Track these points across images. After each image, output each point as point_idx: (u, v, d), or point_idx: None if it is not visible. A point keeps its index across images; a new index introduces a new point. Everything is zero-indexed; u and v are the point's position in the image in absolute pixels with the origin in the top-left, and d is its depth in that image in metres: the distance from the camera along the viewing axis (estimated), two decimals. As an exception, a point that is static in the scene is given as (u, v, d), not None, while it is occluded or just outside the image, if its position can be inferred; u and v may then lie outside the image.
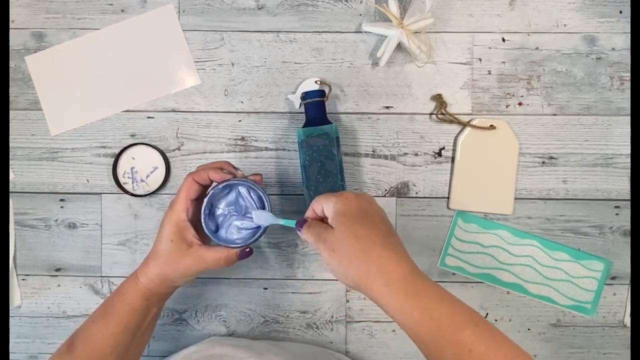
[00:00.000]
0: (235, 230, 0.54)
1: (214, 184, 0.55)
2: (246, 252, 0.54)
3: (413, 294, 0.43)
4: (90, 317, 0.54)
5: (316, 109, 0.62)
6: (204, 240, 0.54)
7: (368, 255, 0.45)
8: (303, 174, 0.62)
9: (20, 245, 0.68)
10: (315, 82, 0.66)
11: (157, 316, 0.57)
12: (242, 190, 0.54)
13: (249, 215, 0.54)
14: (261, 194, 0.54)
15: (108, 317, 0.53)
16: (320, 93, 0.63)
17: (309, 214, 0.52)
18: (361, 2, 0.67)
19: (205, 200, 0.54)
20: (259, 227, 0.54)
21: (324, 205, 0.50)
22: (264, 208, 0.54)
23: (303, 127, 0.63)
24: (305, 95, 0.63)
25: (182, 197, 0.53)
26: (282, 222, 0.53)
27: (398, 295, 0.43)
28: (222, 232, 0.54)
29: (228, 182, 0.53)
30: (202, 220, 0.53)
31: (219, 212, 0.55)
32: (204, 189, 0.55)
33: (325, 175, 0.61)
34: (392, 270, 0.44)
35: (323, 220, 0.51)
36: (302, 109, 0.65)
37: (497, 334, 0.42)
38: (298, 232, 0.52)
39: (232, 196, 0.55)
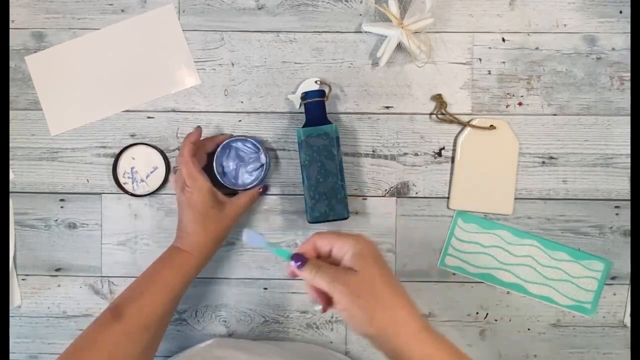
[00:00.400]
0: (247, 175, 0.66)
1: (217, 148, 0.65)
2: (264, 187, 0.66)
3: (438, 342, 0.43)
4: (133, 286, 0.57)
5: (316, 109, 0.62)
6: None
7: (397, 302, 0.44)
8: (303, 174, 0.62)
9: (20, 245, 0.68)
10: (315, 82, 0.66)
11: (185, 291, 0.61)
12: (238, 145, 0.65)
13: (251, 160, 0.65)
14: (253, 141, 0.64)
15: (159, 287, 0.56)
16: (320, 93, 0.63)
17: (307, 248, 0.47)
18: (361, 2, 0.67)
19: (215, 164, 0.64)
20: (262, 165, 0.65)
21: (336, 244, 0.46)
22: (258, 150, 0.65)
23: (303, 127, 0.63)
24: (305, 95, 0.63)
25: (199, 173, 0.59)
26: (274, 251, 0.48)
27: (428, 342, 0.43)
28: (240, 181, 0.65)
29: (226, 143, 0.64)
30: (220, 179, 0.64)
31: (229, 169, 0.65)
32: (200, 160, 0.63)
33: (325, 175, 0.61)
34: (418, 319, 0.44)
35: (321, 258, 0.48)
36: (302, 109, 0.65)
37: None
38: (294, 269, 0.46)
39: (233, 153, 0.65)
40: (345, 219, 0.62)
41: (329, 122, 0.62)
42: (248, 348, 0.62)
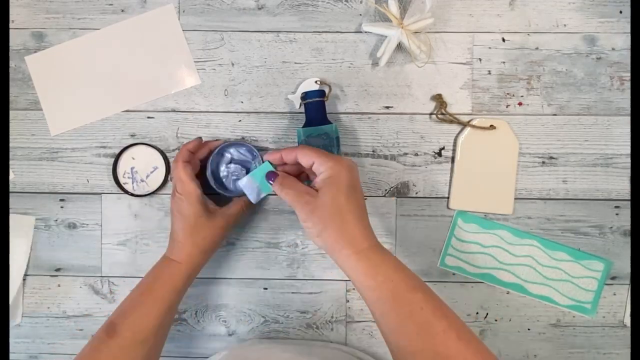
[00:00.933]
0: (235, 183, 0.65)
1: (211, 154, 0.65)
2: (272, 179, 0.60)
3: (376, 262, 0.50)
4: (124, 304, 0.57)
5: (316, 109, 0.62)
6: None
7: (344, 226, 0.50)
8: None
9: (20, 245, 0.68)
10: (315, 82, 0.66)
11: (179, 302, 0.60)
12: (233, 150, 0.65)
13: (245, 166, 0.65)
14: (248, 147, 0.64)
15: (151, 300, 0.56)
16: (320, 93, 0.62)
17: (288, 156, 0.54)
18: (361, 2, 0.67)
19: (207, 170, 0.63)
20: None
21: (316, 162, 0.52)
22: (254, 156, 0.64)
23: (303, 127, 0.62)
24: (305, 95, 0.62)
25: (189, 179, 0.58)
26: (263, 192, 0.58)
27: (364, 263, 0.50)
28: (232, 188, 0.64)
29: (220, 149, 0.63)
30: (213, 185, 0.63)
31: (222, 174, 0.64)
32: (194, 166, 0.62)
33: None
34: (361, 241, 0.51)
35: (299, 173, 0.57)
36: (302, 109, 0.65)
37: (441, 300, 0.50)
38: (269, 182, 0.55)
39: (226, 158, 0.65)
40: None
41: (329, 122, 0.62)
42: (287, 350, 0.63)
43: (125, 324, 0.54)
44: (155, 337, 0.56)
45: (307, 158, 0.53)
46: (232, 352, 0.64)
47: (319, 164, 0.52)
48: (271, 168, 0.57)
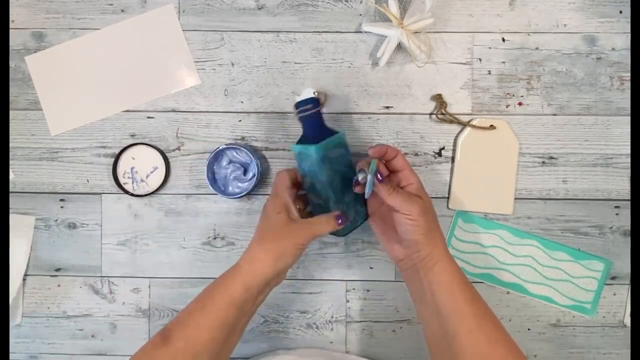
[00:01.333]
0: (238, 183, 0.65)
1: (208, 155, 0.64)
2: (342, 219, 0.56)
3: (454, 272, 0.55)
4: (187, 307, 0.52)
5: (317, 120, 0.59)
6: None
7: (440, 232, 0.57)
8: (329, 191, 0.57)
9: (20, 245, 0.68)
10: (314, 93, 0.61)
11: (252, 315, 0.54)
12: (232, 152, 0.65)
13: (243, 169, 0.65)
14: (247, 150, 0.64)
15: (205, 309, 0.51)
16: (315, 102, 0.58)
17: (379, 152, 0.56)
18: (361, 2, 0.67)
19: (206, 170, 0.64)
20: (253, 175, 0.64)
21: (405, 171, 0.56)
22: (251, 159, 0.64)
23: (299, 142, 0.58)
24: (299, 107, 0.58)
25: (282, 183, 0.56)
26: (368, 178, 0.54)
27: (463, 277, 0.55)
28: (229, 190, 0.65)
29: (219, 150, 0.64)
30: (210, 186, 0.64)
31: (219, 176, 0.65)
32: (296, 182, 0.59)
33: (348, 183, 0.58)
34: (447, 251, 0.56)
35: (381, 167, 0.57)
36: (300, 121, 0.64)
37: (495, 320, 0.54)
38: (377, 179, 0.53)
39: (225, 160, 0.65)
40: (367, 218, 0.61)
41: (333, 131, 0.59)
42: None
43: (179, 332, 0.50)
44: (210, 352, 0.50)
45: (402, 163, 0.57)
46: None
47: (410, 173, 0.56)
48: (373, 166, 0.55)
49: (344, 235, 0.60)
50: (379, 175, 0.53)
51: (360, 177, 0.55)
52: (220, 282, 0.52)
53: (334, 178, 0.57)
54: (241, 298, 0.51)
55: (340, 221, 0.55)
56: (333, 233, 0.57)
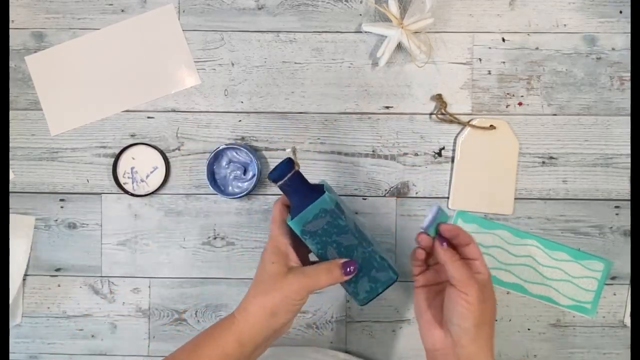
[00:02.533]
0: (237, 183, 0.65)
1: (208, 155, 0.64)
2: (350, 267, 0.49)
3: None
4: (180, 350, 0.48)
5: (296, 186, 0.49)
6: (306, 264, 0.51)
7: (492, 334, 0.49)
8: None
9: (20, 245, 0.68)
10: (291, 151, 0.53)
11: None
12: (232, 152, 0.65)
13: (243, 169, 0.65)
14: (247, 151, 0.64)
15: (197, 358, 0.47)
16: (289, 165, 0.49)
17: (459, 240, 0.51)
18: (361, 2, 0.67)
19: (206, 171, 0.64)
20: (253, 175, 0.64)
21: (479, 261, 0.50)
22: (251, 160, 0.64)
23: (293, 215, 0.49)
24: (274, 176, 0.49)
25: (277, 222, 0.50)
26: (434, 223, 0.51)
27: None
28: (229, 190, 0.65)
29: (219, 150, 0.64)
30: (210, 186, 0.64)
31: (219, 176, 0.65)
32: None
33: (348, 251, 0.50)
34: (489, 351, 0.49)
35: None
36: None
37: None
38: (439, 245, 0.50)
39: (225, 160, 0.65)
40: (396, 280, 0.51)
41: (318, 192, 0.49)
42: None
43: None
44: None
45: (476, 252, 0.50)
46: None
47: (482, 265, 0.50)
48: (445, 219, 0.52)
49: (363, 305, 0.52)
50: (442, 242, 0.49)
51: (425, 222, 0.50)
52: (213, 333, 0.48)
53: (326, 250, 0.50)
54: (235, 353, 0.47)
55: (348, 269, 0.48)
56: (356, 299, 0.51)
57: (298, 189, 0.49)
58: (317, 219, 0.48)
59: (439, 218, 0.51)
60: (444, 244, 0.50)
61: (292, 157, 0.50)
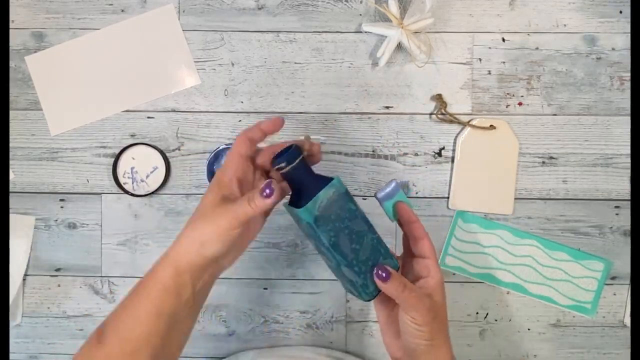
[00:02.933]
0: None
1: (209, 155, 0.65)
2: (267, 190, 0.45)
3: None
4: (120, 302, 0.47)
5: (305, 172, 0.48)
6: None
7: (446, 339, 0.48)
8: (335, 254, 0.47)
9: (20, 245, 0.68)
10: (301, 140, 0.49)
11: (195, 304, 0.48)
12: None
13: None
14: None
15: (138, 299, 0.46)
16: (296, 152, 0.47)
17: (414, 234, 0.50)
18: (361, 2, 0.67)
19: (206, 171, 0.65)
20: None
21: (431, 262, 0.48)
22: None
23: (300, 205, 0.46)
24: (284, 162, 0.47)
25: (235, 154, 0.48)
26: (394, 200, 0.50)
27: None
28: None
29: (219, 150, 0.64)
30: (208, 184, 0.63)
31: None
32: (256, 148, 0.51)
33: (359, 238, 0.47)
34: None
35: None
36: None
37: None
38: (381, 283, 0.47)
39: (224, 160, 0.58)
40: (398, 269, 0.49)
41: (326, 178, 0.48)
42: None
43: (113, 330, 0.45)
44: (150, 348, 0.45)
45: (429, 249, 0.48)
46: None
47: (434, 265, 0.48)
48: (404, 199, 0.50)
49: (372, 298, 0.49)
50: (381, 272, 0.46)
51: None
52: (151, 271, 0.47)
53: (338, 237, 0.47)
54: (174, 284, 0.46)
55: (266, 192, 0.45)
56: (366, 292, 0.48)
57: (307, 175, 0.48)
58: (330, 203, 0.46)
59: (397, 196, 0.50)
60: (386, 275, 0.46)
61: (305, 144, 0.48)
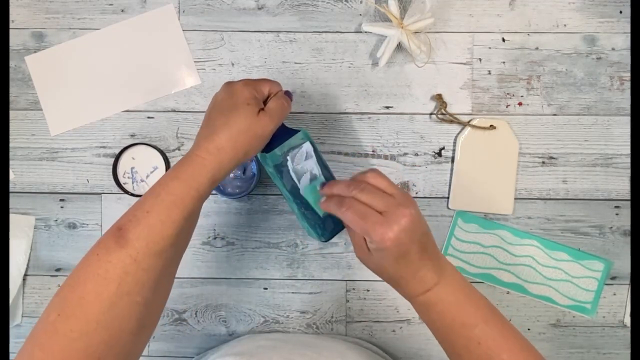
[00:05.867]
0: (238, 183, 0.65)
1: None
2: (289, 95, 0.54)
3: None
4: (136, 208, 0.46)
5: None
6: None
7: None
8: (292, 203, 0.54)
9: (20, 245, 0.68)
10: None
11: (199, 210, 0.50)
12: None
13: (242, 169, 0.65)
14: None
15: (168, 203, 0.46)
16: None
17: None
18: (361, 2, 0.67)
19: None
20: (252, 176, 0.64)
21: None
22: (251, 160, 0.63)
23: (267, 150, 0.53)
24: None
25: (262, 81, 0.53)
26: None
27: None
28: (228, 190, 0.65)
29: None
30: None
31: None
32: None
33: (328, 178, 0.55)
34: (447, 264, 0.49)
35: None
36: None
37: (506, 330, 0.48)
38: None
39: None
40: None
41: (294, 130, 0.55)
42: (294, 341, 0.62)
43: (138, 231, 0.44)
44: (174, 248, 0.46)
45: (349, 224, 0.48)
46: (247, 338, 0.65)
47: (362, 230, 0.47)
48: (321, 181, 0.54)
49: (326, 241, 0.55)
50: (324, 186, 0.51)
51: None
52: (182, 177, 0.47)
53: (296, 187, 0.54)
54: (206, 192, 0.48)
55: (288, 95, 0.54)
56: (318, 237, 0.55)
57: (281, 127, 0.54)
58: (293, 152, 0.53)
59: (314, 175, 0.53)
60: (326, 187, 0.51)
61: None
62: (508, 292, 0.67)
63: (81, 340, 0.41)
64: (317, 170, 0.54)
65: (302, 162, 0.54)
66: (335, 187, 0.50)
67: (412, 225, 0.45)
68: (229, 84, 0.52)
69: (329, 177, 0.55)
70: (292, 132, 0.54)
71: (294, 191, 0.54)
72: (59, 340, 0.41)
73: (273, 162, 0.53)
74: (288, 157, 0.53)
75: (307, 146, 0.54)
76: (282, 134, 0.53)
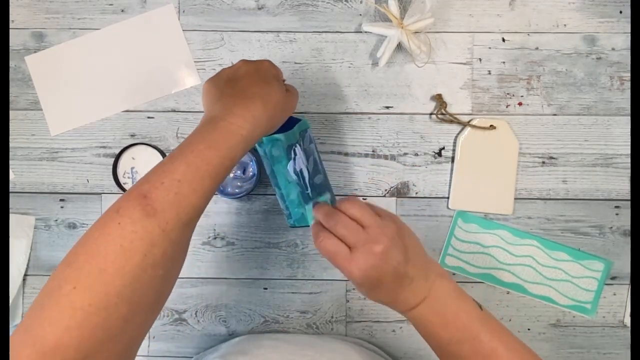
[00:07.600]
0: (238, 183, 0.65)
1: None
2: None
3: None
4: (164, 175, 0.42)
5: None
6: None
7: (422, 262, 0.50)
8: (276, 190, 0.57)
9: (20, 245, 0.68)
10: None
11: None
12: None
13: (243, 169, 0.65)
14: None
15: (202, 174, 0.43)
16: None
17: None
18: (361, 2, 0.67)
19: None
20: (252, 176, 0.64)
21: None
22: (251, 159, 0.64)
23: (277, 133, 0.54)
24: None
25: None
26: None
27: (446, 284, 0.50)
28: (228, 190, 0.65)
29: None
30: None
31: None
32: None
33: (315, 168, 0.57)
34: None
35: None
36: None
37: (498, 343, 0.49)
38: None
39: None
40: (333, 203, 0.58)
41: (297, 119, 0.57)
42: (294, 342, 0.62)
43: (169, 200, 0.41)
44: (199, 218, 0.45)
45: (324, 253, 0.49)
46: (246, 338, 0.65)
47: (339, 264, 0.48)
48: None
49: (291, 227, 0.59)
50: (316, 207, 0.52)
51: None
52: (219, 146, 0.44)
53: (307, 162, 0.56)
54: (237, 162, 0.47)
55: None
56: (289, 220, 0.58)
57: None
58: (306, 132, 0.57)
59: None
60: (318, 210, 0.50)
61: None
62: (508, 292, 0.67)
63: (99, 314, 0.37)
64: (316, 155, 0.58)
65: (307, 145, 0.57)
66: (320, 212, 0.50)
67: (380, 262, 0.45)
68: (251, 61, 0.52)
69: (322, 170, 0.59)
70: (297, 119, 0.57)
71: (300, 174, 0.55)
72: (75, 314, 0.37)
73: (289, 141, 0.54)
74: (300, 138, 0.56)
75: (310, 131, 0.58)
76: (290, 119, 0.55)
